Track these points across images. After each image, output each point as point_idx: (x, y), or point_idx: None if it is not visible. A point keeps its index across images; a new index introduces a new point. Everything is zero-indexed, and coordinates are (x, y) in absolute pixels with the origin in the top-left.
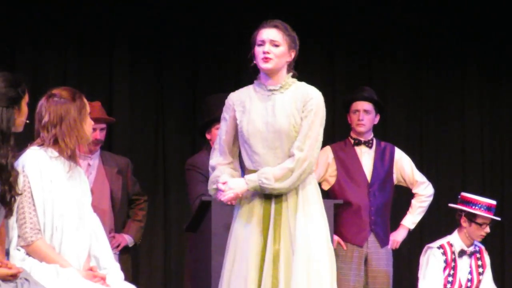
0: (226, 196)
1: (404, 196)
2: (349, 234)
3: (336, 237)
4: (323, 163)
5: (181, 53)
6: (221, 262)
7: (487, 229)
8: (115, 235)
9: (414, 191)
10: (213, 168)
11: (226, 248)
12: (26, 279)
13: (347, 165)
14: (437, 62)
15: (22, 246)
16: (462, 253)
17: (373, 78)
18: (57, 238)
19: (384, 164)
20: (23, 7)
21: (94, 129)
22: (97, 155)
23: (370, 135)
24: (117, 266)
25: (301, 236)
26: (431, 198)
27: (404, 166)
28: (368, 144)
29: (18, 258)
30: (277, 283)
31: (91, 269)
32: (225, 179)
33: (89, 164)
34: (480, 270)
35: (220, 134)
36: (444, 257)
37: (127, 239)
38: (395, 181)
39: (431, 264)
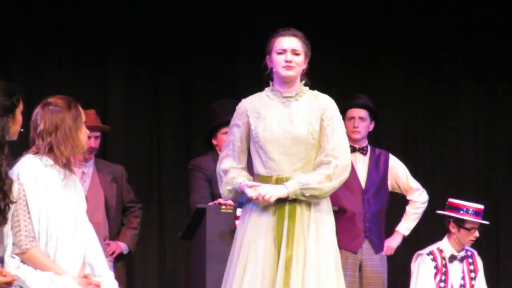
0: (268, 199)
1: (398, 202)
2: (344, 240)
3: None
4: None
5: (176, 61)
6: (216, 269)
7: (476, 234)
8: (110, 243)
9: (408, 197)
10: (226, 172)
11: (232, 254)
12: (21, 287)
13: None
14: (432, 68)
15: (17, 254)
16: (452, 258)
17: (368, 84)
18: (52, 246)
19: (378, 171)
20: (18, 16)
21: (89, 137)
22: (92, 163)
23: (365, 142)
24: (111, 274)
25: (313, 243)
26: (425, 205)
27: (398, 173)
28: (362, 151)
29: (13, 266)
30: None
31: (85, 277)
32: (248, 183)
33: (83, 172)
34: (472, 274)
35: (233, 140)
36: (434, 263)
37: (121, 247)
38: (390, 188)
39: (421, 271)
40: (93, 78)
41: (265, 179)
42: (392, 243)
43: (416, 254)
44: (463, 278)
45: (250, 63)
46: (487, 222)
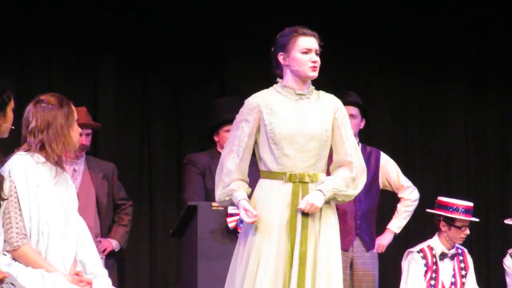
0: (313, 210)
1: (389, 200)
2: None
3: None
4: None
5: (166, 59)
6: (207, 266)
7: (467, 231)
8: (101, 240)
9: (399, 195)
10: (229, 173)
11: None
12: (12, 284)
13: None
14: (421, 67)
15: (8, 251)
16: (443, 256)
17: (358, 82)
18: (43, 243)
19: (369, 168)
20: (7, 15)
21: (80, 135)
22: (83, 161)
23: (356, 140)
24: (105, 272)
25: (324, 239)
26: (416, 203)
27: (389, 170)
28: None
29: (4, 263)
30: (303, 284)
31: (77, 274)
32: (246, 205)
33: (74, 170)
34: (463, 272)
35: (240, 135)
36: (424, 261)
37: (113, 244)
38: (381, 186)
39: (411, 269)
40: (84, 75)
41: (277, 175)
42: (383, 241)
43: (406, 252)
44: (453, 275)
45: (239, 58)
46: (477, 220)
